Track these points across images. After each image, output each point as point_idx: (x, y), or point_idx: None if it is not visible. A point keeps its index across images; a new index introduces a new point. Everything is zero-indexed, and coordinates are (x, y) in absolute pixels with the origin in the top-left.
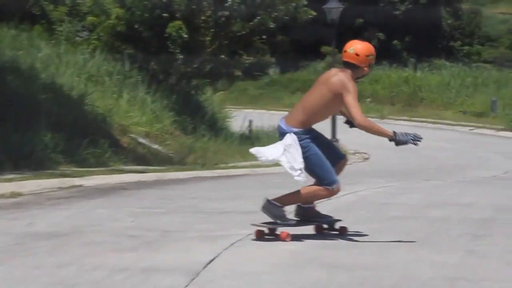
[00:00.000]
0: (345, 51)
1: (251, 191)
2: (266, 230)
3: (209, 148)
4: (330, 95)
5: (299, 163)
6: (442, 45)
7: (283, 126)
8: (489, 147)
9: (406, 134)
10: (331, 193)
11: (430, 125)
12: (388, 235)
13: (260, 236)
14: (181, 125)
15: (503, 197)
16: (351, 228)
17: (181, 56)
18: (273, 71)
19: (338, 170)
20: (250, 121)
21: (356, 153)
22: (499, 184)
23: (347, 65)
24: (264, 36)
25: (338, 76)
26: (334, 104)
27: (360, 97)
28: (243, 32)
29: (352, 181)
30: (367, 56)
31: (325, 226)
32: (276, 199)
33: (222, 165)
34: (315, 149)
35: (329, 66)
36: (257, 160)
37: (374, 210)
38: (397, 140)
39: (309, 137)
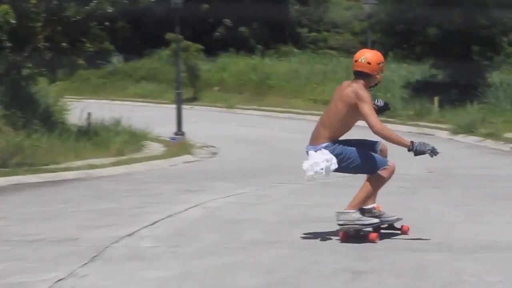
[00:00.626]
0: (356, 61)
1: (77, 204)
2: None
3: (41, 145)
4: (346, 107)
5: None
6: (289, 32)
7: (312, 149)
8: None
9: (424, 144)
10: (390, 170)
11: (280, 114)
12: (244, 276)
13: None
14: (11, 120)
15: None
16: (196, 267)
17: (9, 44)
18: (116, 59)
19: (383, 155)
20: (89, 114)
21: (204, 147)
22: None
23: (360, 74)
24: (105, 23)
25: (351, 88)
26: (353, 114)
27: (207, 86)
28: (79, 18)
29: (199, 187)
30: (379, 64)
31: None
32: (349, 207)
33: (53, 167)
34: (350, 148)
35: (174, 54)
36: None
37: (225, 231)
38: (415, 150)
39: (338, 145)
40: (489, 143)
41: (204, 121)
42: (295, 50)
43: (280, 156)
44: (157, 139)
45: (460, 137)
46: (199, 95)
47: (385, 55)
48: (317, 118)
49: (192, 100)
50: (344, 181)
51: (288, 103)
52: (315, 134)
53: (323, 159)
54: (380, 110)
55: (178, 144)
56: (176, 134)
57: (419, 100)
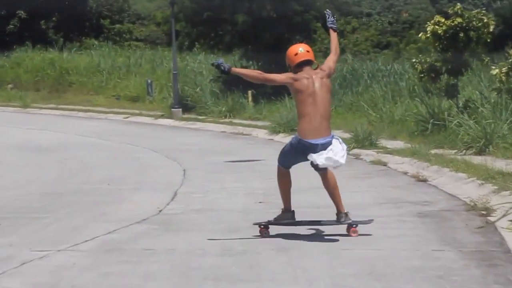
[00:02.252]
0: (296, 54)
1: None
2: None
3: None
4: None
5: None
6: (91, 24)
7: (324, 141)
8: (149, 141)
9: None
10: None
11: (80, 113)
12: None
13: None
14: None
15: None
16: None
17: None
18: None
19: None
20: None
21: None
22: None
23: (310, 62)
24: None
25: (323, 75)
26: None
27: (1, 84)
28: None
29: None
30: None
31: None
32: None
33: None
34: None
35: None
36: None
37: None
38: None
39: None
40: None
41: None
42: (96, 42)
43: (71, 174)
44: None
45: (280, 137)
46: None
47: (191, 45)
48: (121, 117)
49: None
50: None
51: (90, 100)
52: (321, 127)
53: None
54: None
55: None
56: None
57: (231, 95)
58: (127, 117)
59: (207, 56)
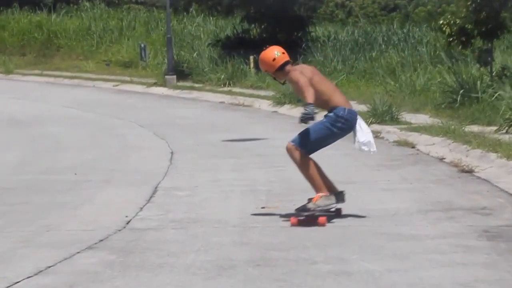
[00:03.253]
0: (275, 59)
1: None
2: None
3: None
4: None
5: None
6: None
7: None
8: (136, 114)
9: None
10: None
11: (66, 80)
12: None
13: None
14: None
15: None
16: None
17: None
18: None
19: None
20: None
21: None
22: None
23: (288, 63)
24: None
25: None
26: None
27: None
28: None
29: None
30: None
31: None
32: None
33: None
34: None
35: None
36: None
37: None
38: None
39: None
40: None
41: None
42: (88, 4)
43: (36, 157)
44: None
45: (286, 109)
46: None
47: (187, 7)
48: (110, 85)
49: None
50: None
51: (78, 66)
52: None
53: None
54: None
55: None
56: None
57: (231, 61)
58: (116, 85)
59: (205, 19)
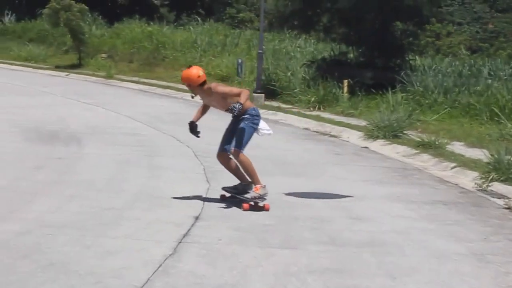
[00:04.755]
0: (199, 76)
1: None
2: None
3: None
4: None
5: None
6: (202, 3)
7: None
8: (204, 133)
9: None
10: None
11: (158, 90)
12: None
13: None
14: None
15: None
16: None
17: None
18: (8, 19)
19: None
20: None
21: None
22: None
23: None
24: None
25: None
26: None
27: (97, 52)
28: None
29: None
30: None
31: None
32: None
33: None
34: None
35: (54, 13)
36: None
37: None
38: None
39: None
40: (427, 160)
41: (56, 94)
42: (199, 19)
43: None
44: None
45: (378, 145)
46: (85, 61)
47: (282, 24)
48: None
49: (77, 67)
50: None
51: (178, 76)
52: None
53: None
54: None
55: None
56: None
57: (323, 83)
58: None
59: (306, 41)
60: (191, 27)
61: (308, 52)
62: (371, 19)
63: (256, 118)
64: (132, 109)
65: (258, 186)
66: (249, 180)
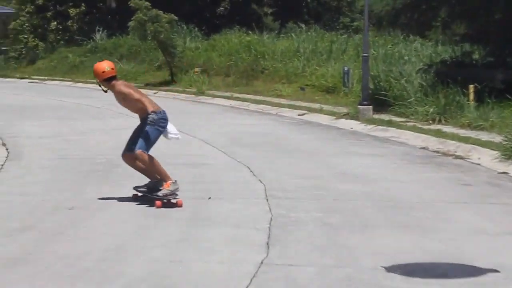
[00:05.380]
0: (104, 71)
1: None
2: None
3: None
4: None
5: None
6: (308, 10)
7: None
8: (286, 162)
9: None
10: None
11: (252, 106)
12: None
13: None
14: None
15: None
16: None
17: None
18: (99, 36)
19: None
20: None
21: None
22: None
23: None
24: None
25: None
26: None
27: (192, 67)
28: None
29: None
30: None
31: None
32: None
33: None
34: None
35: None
36: None
37: None
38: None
39: None
40: None
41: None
42: (303, 26)
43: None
44: None
45: None
46: (177, 77)
47: (393, 23)
48: (296, 113)
49: (169, 83)
50: None
51: (278, 89)
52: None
53: None
54: None
55: None
56: None
57: (444, 90)
58: (302, 114)
59: (423, 44)
60: (293, 34)
61: (426, 56)
62: (501, 9)
63: (162, 120)
64: (212, 129)
65: (168, 182)
66: (158, 177)
